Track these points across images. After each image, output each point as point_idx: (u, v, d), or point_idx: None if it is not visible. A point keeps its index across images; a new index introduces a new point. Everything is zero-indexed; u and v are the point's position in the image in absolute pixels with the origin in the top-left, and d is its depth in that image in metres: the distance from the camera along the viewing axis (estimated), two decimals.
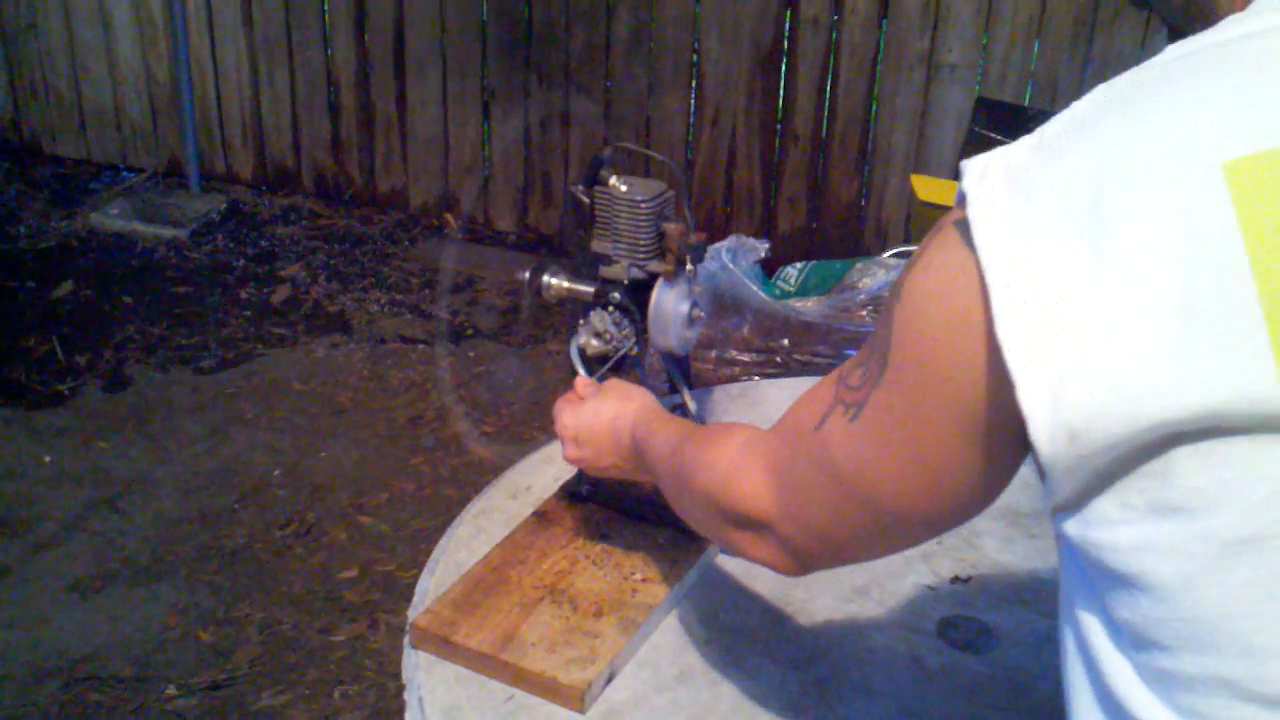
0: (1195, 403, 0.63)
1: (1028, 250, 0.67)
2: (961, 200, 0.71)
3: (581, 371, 1.39)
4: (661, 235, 1.34)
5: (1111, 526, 0.68)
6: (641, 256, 1.35)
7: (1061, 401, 0.66)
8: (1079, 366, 0.65)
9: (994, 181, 0.70)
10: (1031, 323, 0.66)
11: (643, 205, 1.33)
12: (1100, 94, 0.71)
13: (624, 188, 1.34)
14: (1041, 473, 0.70)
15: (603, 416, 1.25)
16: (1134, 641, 0.69)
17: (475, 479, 2.96)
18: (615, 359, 1.39)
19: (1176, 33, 0.76)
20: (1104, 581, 0.70)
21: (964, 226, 0.70)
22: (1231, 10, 0.73)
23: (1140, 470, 0.66)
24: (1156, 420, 0.63)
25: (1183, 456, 0.64)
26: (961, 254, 0.70)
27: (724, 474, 0.98)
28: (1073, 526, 0.71)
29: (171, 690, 2.35)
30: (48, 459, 3.06)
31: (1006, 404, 0.68)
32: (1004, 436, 0.72)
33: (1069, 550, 0.74)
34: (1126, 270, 0.64)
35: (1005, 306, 0.67)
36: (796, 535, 0.91)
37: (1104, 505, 0.68)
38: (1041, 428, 0.67)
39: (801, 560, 0.94)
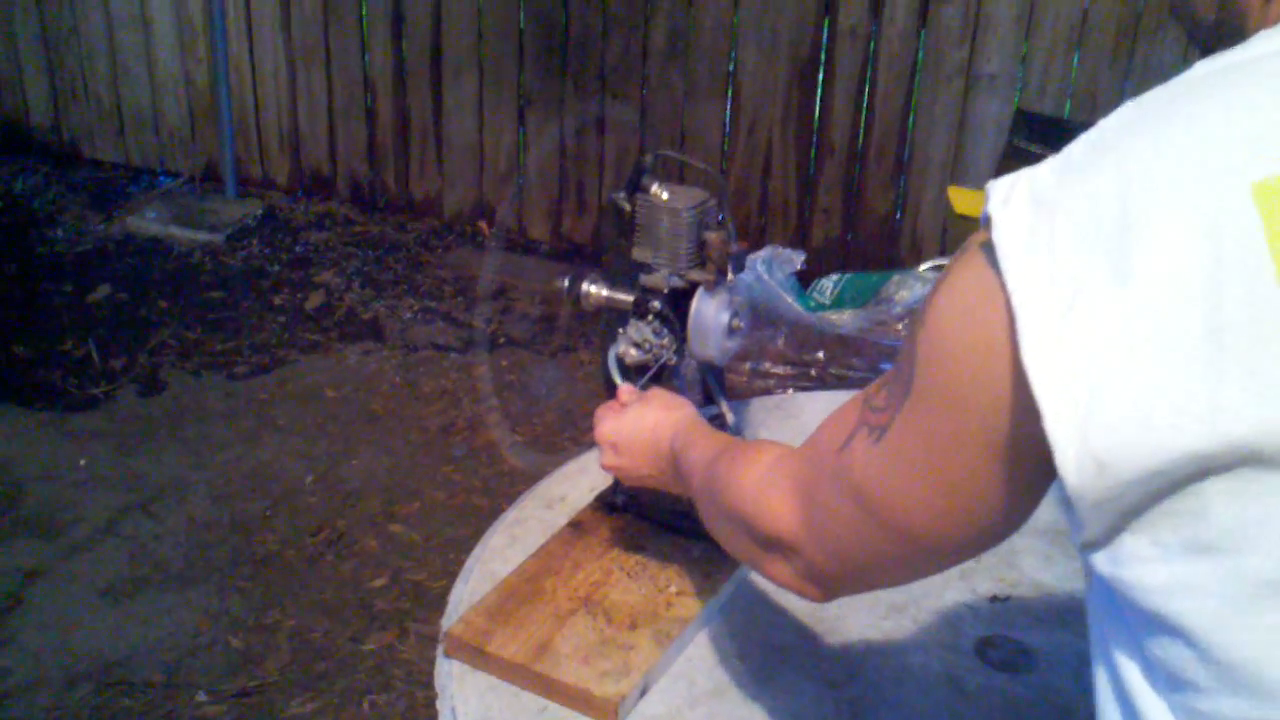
0: (1225, 432, 0.61)
1: (1053, 275, 0.65)
2: (986, 222, 0.70)
3: (619, 380, 1.38)
4: (702, 244, 1.33)
5: (1143, 564, 0.66)
6: (682, 265, 1.34)
7: (1088, 431, 0.64)
8: (1106, 395, 0.63)
9: (1019, 204, 0.68)
10: (1058, 350, 0.65)
11: (684, 213, 1.32)
12: (1126, 112, 0.69)
13: (665, 196, 1.33)
14: (1069, 505, 0.68)
15: (644, 425, 1.24)
16: (1168, 682, 0.68)
17: (506, 488, 2.96)
18: (655, 369, 1.37)
19: (1208, 50, 0.75)
20: (1137, 620, 0.69)
21: (989, 249, 0.69)
22: (1263, 26, 0.71)
23: (1172, 507, 0.64)
24: (1186, 451, 0.62)
25: (1215, 492, 0.62)
26: (987, 277, 0.69)
27: (752, 494, 0.97)
28: (1103, 563, 0.69)
29: (202, 696, 2.35)
30: (82, 462, 3.08)
31: (1033, 431, 0.66)
32: (1030, 463, 0.70)
33: (1101, 586, 0.72)
34: (1153, 295, 0.62)
35: (1031, 333, 0.65)
36: (821, 558, 0.90)
37: (1135, 542, 0.66)
38: (1068, 458, 0.65)
39: (825, 585, 0.93)
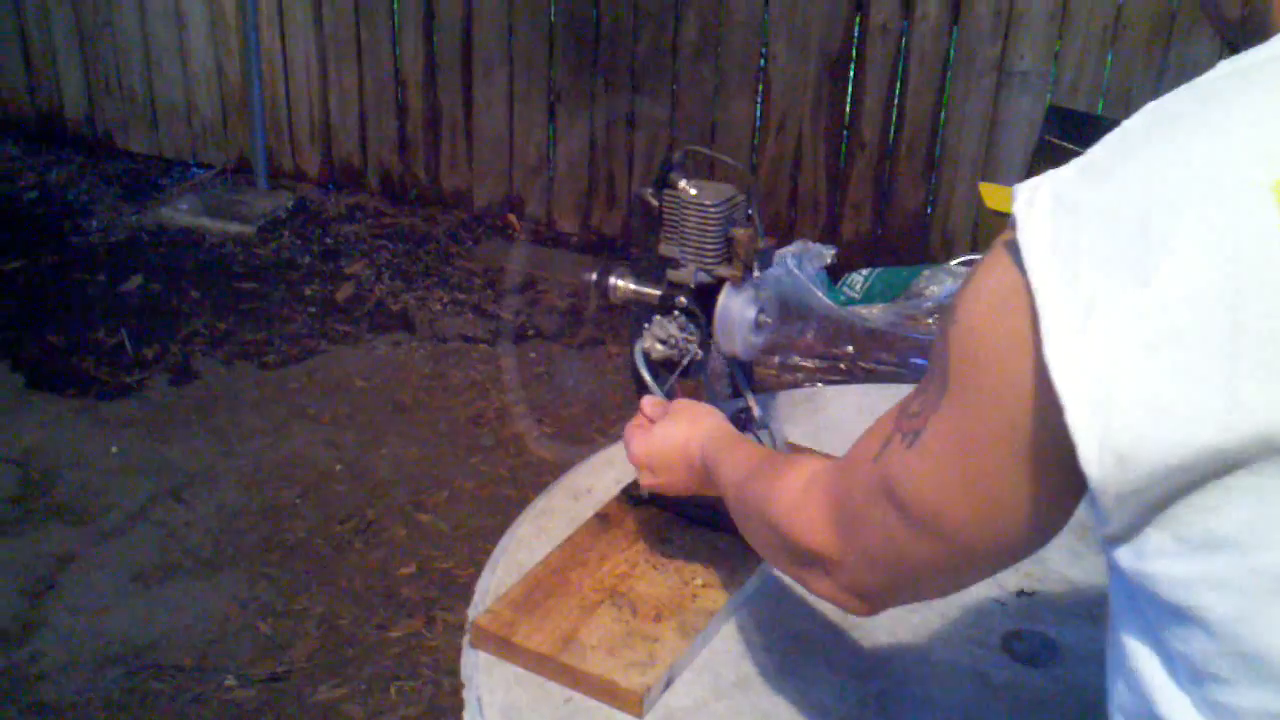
0: (1243, 428, 0.61)
1: (1076, 274, 0.66)
2: (1013, 224, 0.71)
3: (646, 375, 1.38)
4: (729, 240, 1.33)
5: (1166, 559, 0.67)
6: (709, 260, 1.34)
7: (1110, 425, 0.65)
8: (1127, 390, 0.64)
9: (1043, 205, 0.69)
10: (1080, 347, 0.66)
11: (711, 209, 1.32)
12: (1149, 113, 0.70)
13: (693, 191, 1.33)
14: (1092, 499, 0.69)
15: (673, 442, 1.25)
16: (1191, 675, 0.68)
17: (534, 479, 2.97)
18: (681, 364, 1.38)
19: (1235, 47, 0.75)
20: (1159, 614, 0.69)
21: (1015, 249, 0.70)
22: None
23: (1193, 502, 0.65)
24: (1204, 445, 0.62)
25: (1235, 487, 0.63)
26: (1012, 277, 0.70)
27: (787, 510, 0.97)
28: (1126, 557, 0.70)
29: (230, 681, 2.37)
30: (114, 449, 3.11)
31: (1058, 427, 0.67)
32: (1059, 463, 0.71)
33: (1121, 580, 0.73)
34: (1173, 294, 0.63)
35: (1054, 330, 0.67)
36: (858, 570, 0.91)
37: (1157, 537, 0.67)
38: (1090, 451, 0.66)
39: (866, 597, 0.93)
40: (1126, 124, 0.71)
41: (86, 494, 2.93)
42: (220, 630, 2.51)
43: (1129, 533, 0.68)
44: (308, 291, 4.00)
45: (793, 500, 0.97)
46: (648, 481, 1.29)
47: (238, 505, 2.91)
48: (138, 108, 4.88)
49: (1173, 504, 0.65)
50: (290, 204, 4.57)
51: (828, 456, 1.03)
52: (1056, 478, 0.73)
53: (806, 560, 0.96)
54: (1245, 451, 0.62)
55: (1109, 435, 0.65)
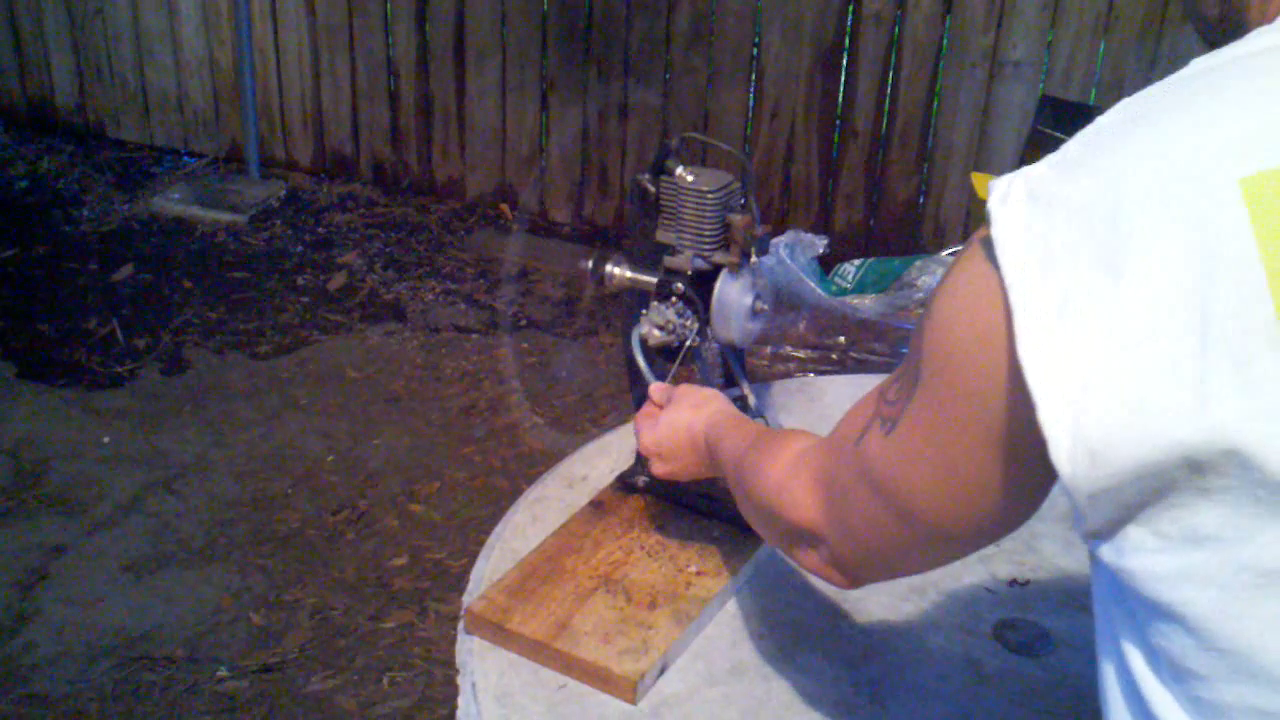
0: (1214, 423, 0.62)
1: (1048, 269, 0.67)
2: (988, 219, 0.71)
3: (640, 361, 1.38)
4: (726, 226, 1.33)
5: (1146, 555, 0.67)
6: (706, 247, 1.34)
7: (1081, 422, 0.65)
8: (1098, 387, 0.64)
9: (1017, 200, 0.70)
10: (1052, 343, 0.66)
11: (709, 196, 1.32)
12: (1122, 109, 0.71)
13: (690, 178, 1.33)
14: (1068, 497, 0.70)
15: (678, 428, 1.27)
16: (1171, 671, 0.69)
17: (526, 469, 2.97)
18: (681, 351, 1.38)
19: (1214, 45, 0.76)
20: (1140, 608, 0.70)
21: (989, 245, 0.70)
22: (1262, 22, 0.72)
23: (1171, 499, 0.65)
24: (1175, 441, 0.63)
25: (1209, 488, 0.63)
26: (986, 272, 0.70)
27: (777, 485, 1.00)
28: (1107, 553, 0.70)
29: (223, 671, 2.37)
30: (106, 440, 3.10)
31: (1031, 423, 0.68)
32: (1029, 455, 0.72)
33: (1106, 575, 0.73)
34: (1144, 290, 0.63)
35: (1026, 326, 0.67)
36: (843, 547, 0.93)
37: (1137, 533, 0.67)
38: (1061, 448, 0.66)
39: (849, 572, 0.96)
40: (1100, 119, 0.71)
41: (78, 484, 2.92)
42: (213, 621, 2.50)
43: (1108, 530, 0.69)
44: (300, 281, 4.00)
45: (781, 477, 1.00)
46: (660, 470, 1.31)
47: (230, 496, 2.90)
48: (129, 96, 4.86)
49: (1150, 504, 0.66)
50: (282, 193, 4.56)
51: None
52: (1030, 468, 0.74)
53: (795, 535, 0.98)
54: (1214, 449, 0.62)
55: (1081, 432, 0.65)
